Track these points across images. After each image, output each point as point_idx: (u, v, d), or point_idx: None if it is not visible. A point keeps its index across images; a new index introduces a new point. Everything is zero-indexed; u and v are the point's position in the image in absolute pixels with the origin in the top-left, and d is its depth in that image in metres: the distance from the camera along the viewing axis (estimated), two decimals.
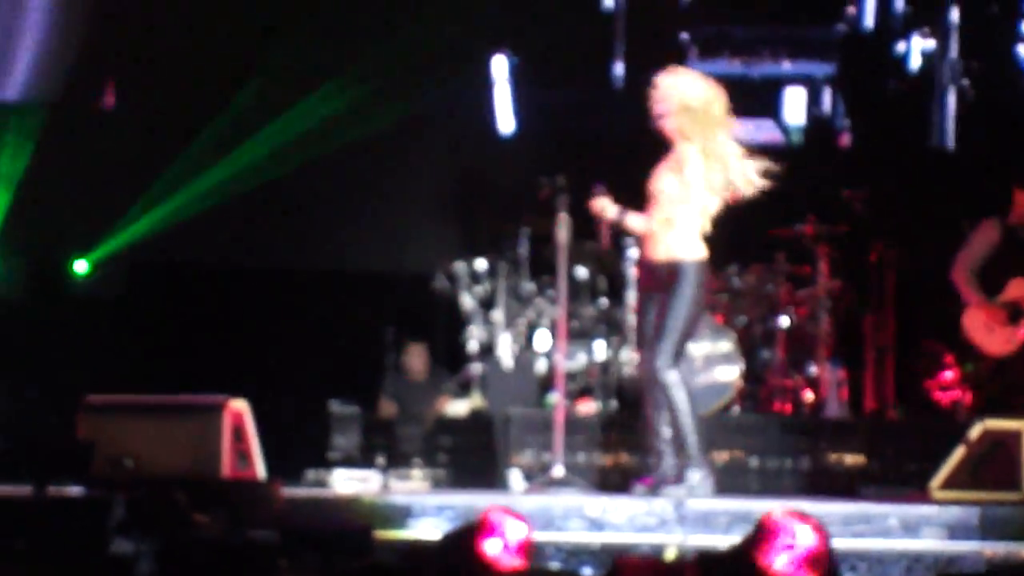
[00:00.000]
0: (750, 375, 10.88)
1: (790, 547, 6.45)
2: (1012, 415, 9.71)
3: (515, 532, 6.13)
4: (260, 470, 9.44)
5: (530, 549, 6.03)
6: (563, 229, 9.84)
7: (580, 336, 10.96)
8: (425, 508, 8.62)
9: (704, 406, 10.26)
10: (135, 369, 11.27)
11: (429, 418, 11.04)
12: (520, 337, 11.00)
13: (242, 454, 9.30)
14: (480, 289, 11.16)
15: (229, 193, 11.77)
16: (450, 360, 11.71)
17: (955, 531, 8.59)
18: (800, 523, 6.65)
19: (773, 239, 11.20)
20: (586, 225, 9.92)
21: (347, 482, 9.85)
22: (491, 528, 6.13)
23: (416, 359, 11.77)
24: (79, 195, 11.72)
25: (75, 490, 8.35)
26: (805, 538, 6.45)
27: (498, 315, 11.05)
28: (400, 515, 8.60)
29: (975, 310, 10.43)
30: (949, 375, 10.87)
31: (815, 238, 11.01)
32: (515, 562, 6.01)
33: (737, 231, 10.68)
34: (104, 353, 11.52)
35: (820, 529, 6.66)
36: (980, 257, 10.32)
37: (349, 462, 10.23)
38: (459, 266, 11.18)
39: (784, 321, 11.03)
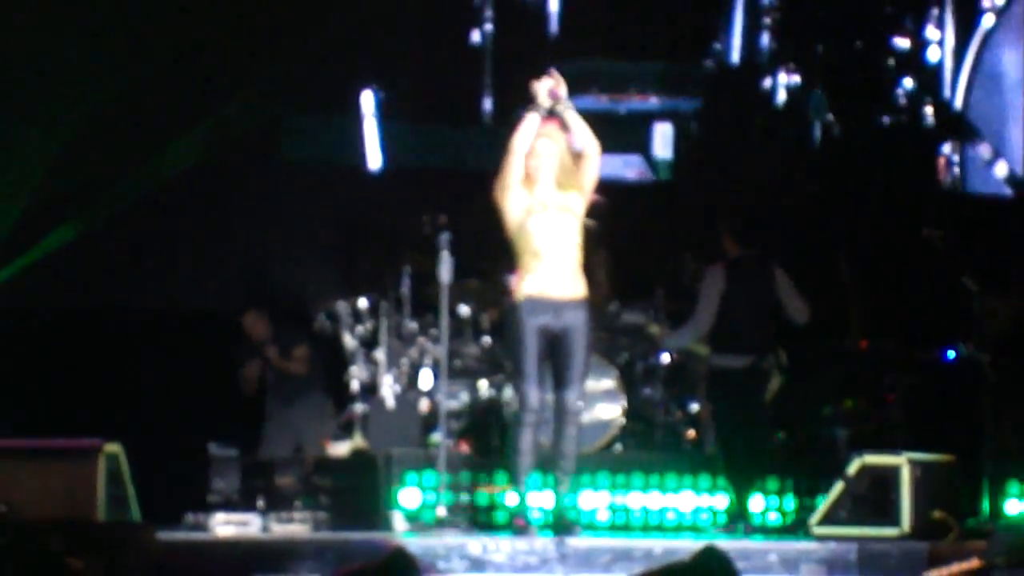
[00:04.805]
0: (632, 412, 10.89)
1: None
2: (890, 451, 9.81)
3: None
4: (135, 514, 9.32)
5: None
6: (445, 267, 9.81)
7: (463, 375, 10.92)
8: (305, 550, 8.55)
9: (587, 443, 10.28)
10: (6, 413, 11.07)
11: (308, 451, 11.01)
12: (403, 376, 10.94)
13: (117, 498, 9.17)
14: (362, 328, 11.09)
15: (96, 234, 11.63)
16: (333, 400, 11.62)
17: (834, 567, 8.67)
18: None
19: (652, 276, 11.23)
20: (467, 263, 9.93)
21: (226, 525, 9.73)
22: None
23: (256, 325, 11.68)
24: None
25: None
26: None
27: (380, 354, 10.98)
28: (280, 557, 8.51)
29: None
30: (828, 410, 10.94)
31: (694, 274, 11.05)
32: None
33: (617, 269, 10.74)
34: None
35: None
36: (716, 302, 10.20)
37: (228, 505, 10.10)
38: (341, 305, 11.11)
39: (665, 358, 11.06)
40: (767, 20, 13.40)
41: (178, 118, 11.87)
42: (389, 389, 10.85)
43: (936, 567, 8.60)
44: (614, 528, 10.14)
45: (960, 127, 13.54)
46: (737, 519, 9.91)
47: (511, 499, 9.63)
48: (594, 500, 10.21)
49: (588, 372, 9.34)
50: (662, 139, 13.18)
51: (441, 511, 9.45)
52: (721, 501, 10.19)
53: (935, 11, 13.58)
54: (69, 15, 11.70)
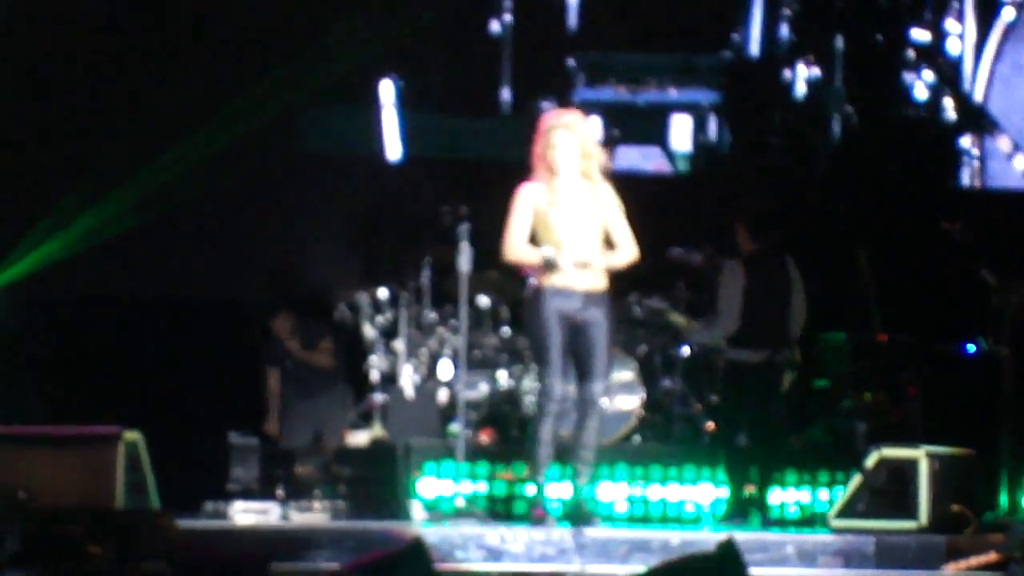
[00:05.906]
0: (651, 404, 10.89)
1: None
2: (908, 444, 9.80)
3: None
4: (154, 502, 9.35)
5: None
6: (465, 258, 9.83)
7: (482, 365, 10.94)
8: (324, 539, 8.57)
9: (606, 434, 10.29)
10: (28, 400, 11.13)
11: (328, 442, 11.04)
12: (422, 367, 10.96)
13: (136, 485, 9.21)
14: (382, 319, 11.11)
15: (125, 224, 11.68)
16: (352, 389, 11.65)
17: (851, 559, 8.66)
18: None
19: (672, 267, 11.23)
20: (487, 254, 9.94)
21: (246, 514, 9.76)
22: None
23: (285, 325, 11.73)
24: None
25: None
26: None
27: (400, 345, 11.00)
28: (299, 546, 8.54)
29: None
30: (847, 403, 10.94)
31: (714, 265, 11.05)
32: None
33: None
34: None
35: None
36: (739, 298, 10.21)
37: (248, 494, 10.13)
38: (361, 296, 11.13)
39: (685, 350, 11.06)
40: (786, 12, 13.39)
41: (199, 109, 11.91)
42: (408, 379, 10.87)
43: (954, 560, 8.61)
44: (632, 519, 10.15)
45: (980, 120, 13.52)
46: (743, 511, 9.91)
47: (530, 489, 9.64)
48: (612, 491, 10.22)
49: (611, 364, 9.35)
50: (680, 131, 13.18)
51: (459, 501, 9.45)
52: (723, 492, 10.20)
53: (955, 3, 13.56)
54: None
